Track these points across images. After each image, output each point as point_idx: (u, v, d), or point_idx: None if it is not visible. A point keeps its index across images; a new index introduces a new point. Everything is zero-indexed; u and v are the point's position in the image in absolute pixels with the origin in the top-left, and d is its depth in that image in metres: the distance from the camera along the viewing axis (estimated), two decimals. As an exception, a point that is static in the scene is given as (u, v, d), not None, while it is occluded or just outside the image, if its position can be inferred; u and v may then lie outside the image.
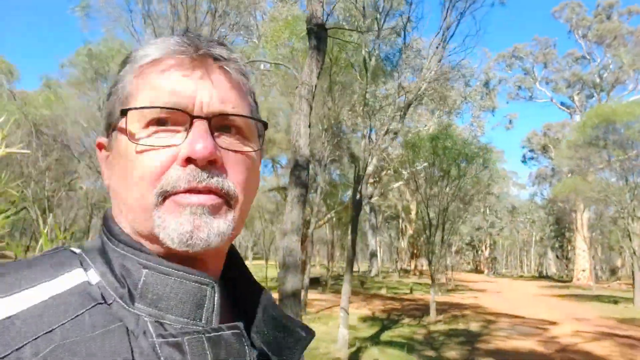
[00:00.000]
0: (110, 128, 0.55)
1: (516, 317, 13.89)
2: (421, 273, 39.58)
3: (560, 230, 43.18)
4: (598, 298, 22.07)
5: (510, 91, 38.73)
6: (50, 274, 0.47)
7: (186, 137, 0.50)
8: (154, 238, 0.50)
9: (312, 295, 16.31)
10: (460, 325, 11.99)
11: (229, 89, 0.54)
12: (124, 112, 0.51)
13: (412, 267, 36.46)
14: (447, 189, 13.00)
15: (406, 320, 12.25)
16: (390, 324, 11.60)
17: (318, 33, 5.33)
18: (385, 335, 9.89)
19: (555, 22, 40.41)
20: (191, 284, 0.49)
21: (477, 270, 55.46)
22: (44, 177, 17.92)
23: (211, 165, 0.50)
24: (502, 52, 38.50)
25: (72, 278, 0.48)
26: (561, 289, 28.50)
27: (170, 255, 0.50)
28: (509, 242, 59.26)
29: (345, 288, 8.17)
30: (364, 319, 12.23)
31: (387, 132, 8.22)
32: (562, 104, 37.75)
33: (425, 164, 13.35)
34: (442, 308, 15.41)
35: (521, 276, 52.03)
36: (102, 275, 0.49)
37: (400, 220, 35.32)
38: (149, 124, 0.51)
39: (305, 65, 5.31)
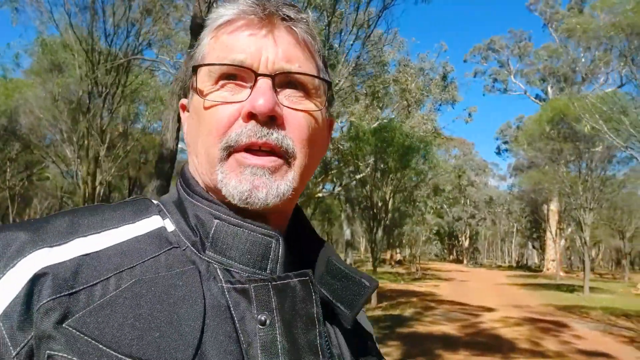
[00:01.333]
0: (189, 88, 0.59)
1: (458, 304, 14.39)
2: (398, 262, 40.33)
3: (538, 221, 43.97)
4: (558, 287, 22.71)
5: (487, 83, 39.18)
6: (132, 217, 0.52)
7: (250, 94, 0.52)
8: (218, 191, 0.53)
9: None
10: (397, 312, 12.48)
11: (295, 47, 0.55)
12: (194, 70, 0.55)
13: (388, 256, 37.10)
14: (389, 180, 13.43)
15: (347, 307, 12.72)
16: (327, 310, 12.06)
17: (197, 32, 5.65)
18: (313, 320, 10.34)
19: (531, 14, 40.74)
20: (258, 235, 0.52)
21: (457, 260, 56.41)
22: (5, 167, 18.01)
23: (272, 121, 0.52)
24: (478, 44, 38.86)
25: (151, 223, 0.52)
26: (528, 279, 29.17)
27: (236, 208, 0.53)
28: (490, 233, 60.24)
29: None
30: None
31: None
32: (537, 96, 38.24)
33: (372, 159, 13.73)
34: (392, 295, 15.91)
35: (499, 266, 52.94)
36: (177, 224, 0.53)
37: (375, 210, 35.78)
38: (218, 80, 0.54)
39: (183, 62, 5.63)
